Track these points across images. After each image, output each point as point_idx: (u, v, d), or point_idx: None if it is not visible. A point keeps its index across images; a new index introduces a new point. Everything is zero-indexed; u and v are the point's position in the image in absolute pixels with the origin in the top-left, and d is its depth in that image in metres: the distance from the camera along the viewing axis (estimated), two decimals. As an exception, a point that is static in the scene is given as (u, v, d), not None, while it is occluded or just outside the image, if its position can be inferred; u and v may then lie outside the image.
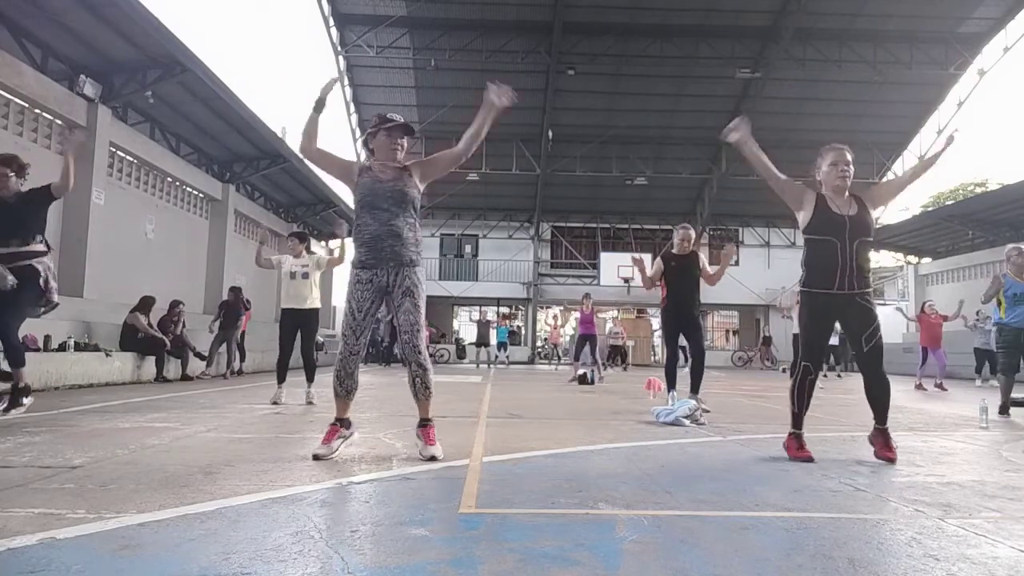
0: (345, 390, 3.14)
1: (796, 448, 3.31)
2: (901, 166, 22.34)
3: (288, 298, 5.99)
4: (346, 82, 19.37)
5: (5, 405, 4.39)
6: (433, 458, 3.01)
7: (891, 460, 3.21)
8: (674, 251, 5.81)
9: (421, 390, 3.15)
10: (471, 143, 3.20)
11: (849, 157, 3.40)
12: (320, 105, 3.25)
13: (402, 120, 3.25)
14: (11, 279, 4.26)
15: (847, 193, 3.41)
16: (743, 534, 1.94)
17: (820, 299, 3.36)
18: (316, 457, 2.97)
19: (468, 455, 3.19)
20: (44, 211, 4.58)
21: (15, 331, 4.47)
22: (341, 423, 3.15)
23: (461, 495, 2.35)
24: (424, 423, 3.17)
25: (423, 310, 3.15)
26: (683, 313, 5.67)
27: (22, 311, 4.47)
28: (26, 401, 4.47)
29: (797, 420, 3.39)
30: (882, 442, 3.30)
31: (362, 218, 3.14)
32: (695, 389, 5.52)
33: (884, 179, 21.01)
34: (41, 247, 4.51)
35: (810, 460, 3.21)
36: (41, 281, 4.41)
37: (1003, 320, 6.12)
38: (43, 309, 4.65)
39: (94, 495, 2.26)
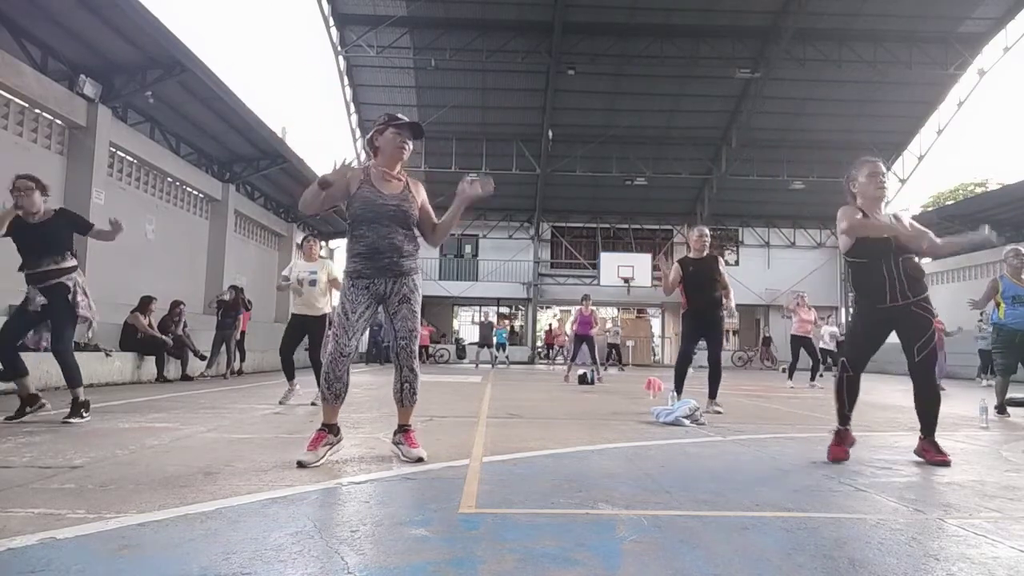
0: (334, 394, 2.99)
1: (834, 444, 3.34)
2: (901, 166, 22.36)
3: (298, 303, 5.99)
4: (346, 82, 19.37)
5: (67, 412, 4.31)
6: (420, 459, 2.98)
7: (946, 463, 3.18)
8: (691, 255, 5.82)
9: (408, 395, 3.11)
10: (443, 234, 3.24)
11: (884, 168, 3.41)
12: (325, 184, 2.94)
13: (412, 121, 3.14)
14: (40, 299, 4.26)
15: (883, 210, 3.40)
16: (743, 534, 1.94)
17: (877, 313, 3.34)
18: (300, 464, 2.83)
19: (468, 455, 3.19)
20: (71, 232, 4.56)
21: (69, 352, 4.44)
22: (329, 429, 3.01)
23: (461, 495, 2.35)
24: (405, 428, 3.13)
25: (419, 314, 3.13)
26: (706, 317, 5.65)
27: (63, 331, 4.44)
28: (85, 415, 4.35)
29: (841, 416, 3.40)
30: (933, 450, 3.27)
31: (359, 230, 3.02)
32: (713, 395, 5.64)
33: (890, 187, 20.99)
34: (71, 262, 4.47)
35: (841, 460, 3.22)
36: (69, 296, 4.36)
37: (1001, 321, 6.14)
38: (88, 333, 4.55)
39: (94, 495, 2.26)
